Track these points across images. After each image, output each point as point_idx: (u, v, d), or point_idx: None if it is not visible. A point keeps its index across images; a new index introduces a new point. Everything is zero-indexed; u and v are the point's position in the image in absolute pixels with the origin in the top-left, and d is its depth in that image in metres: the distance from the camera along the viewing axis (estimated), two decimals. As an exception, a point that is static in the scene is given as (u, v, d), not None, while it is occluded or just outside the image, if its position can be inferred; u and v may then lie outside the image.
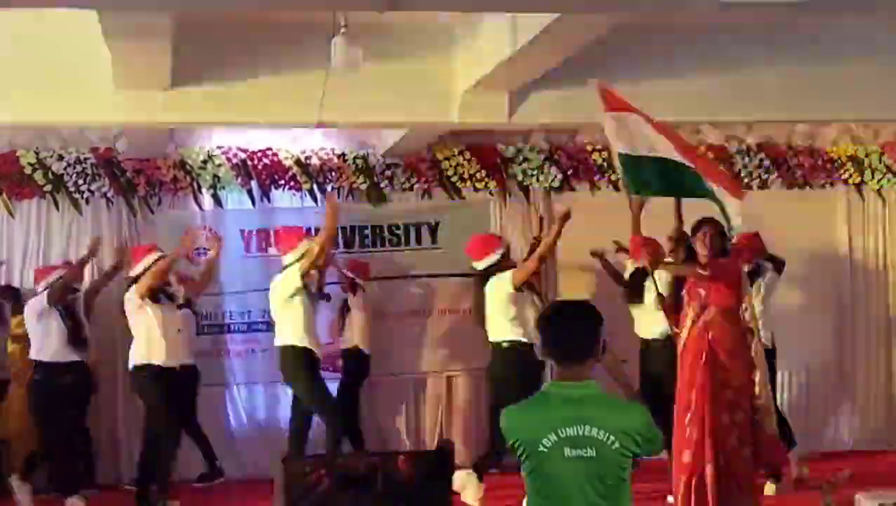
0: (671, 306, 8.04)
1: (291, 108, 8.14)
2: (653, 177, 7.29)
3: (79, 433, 9.43)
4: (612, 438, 3.90)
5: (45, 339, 8.91)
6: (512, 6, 5.94)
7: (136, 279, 8.75)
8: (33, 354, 9.01)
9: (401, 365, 10.65)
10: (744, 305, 7.73)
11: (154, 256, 8.77)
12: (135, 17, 6.12)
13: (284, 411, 10.06)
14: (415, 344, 10.67)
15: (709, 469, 7.41)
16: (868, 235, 11.36)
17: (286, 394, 9.60)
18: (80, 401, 9.18)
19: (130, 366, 8.82)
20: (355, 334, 9.94)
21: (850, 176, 11.28)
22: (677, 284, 8.35)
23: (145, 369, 8.70)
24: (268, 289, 9.71)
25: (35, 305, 8.99)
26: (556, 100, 8.34)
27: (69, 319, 8.92)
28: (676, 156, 7.13)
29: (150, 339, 8.65)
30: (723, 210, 7.04)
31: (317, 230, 9.52)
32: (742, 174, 11.08)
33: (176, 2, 5.41)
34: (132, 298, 8.67)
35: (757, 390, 7.66)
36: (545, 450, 3.91)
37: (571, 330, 4.08)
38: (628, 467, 3.99)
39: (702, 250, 7.64)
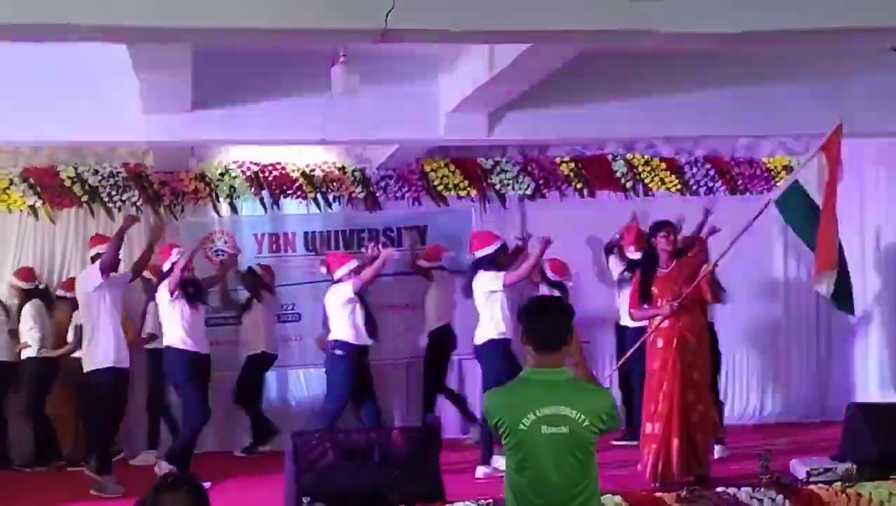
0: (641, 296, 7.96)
1: (297, 127, 8.09)
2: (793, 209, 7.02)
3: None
4: (582, 417, 3.90)
5: None
6: (489, 37, 5.91)
7: (165, 275, 8.61)
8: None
9: (395, 351, 10.56)
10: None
11: (176, 255, 8.62)
12: (159, 50, 6.08)
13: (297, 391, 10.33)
14: (408, 333, 10.59)
15: (675, 442, 7.44)
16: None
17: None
18: None
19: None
20: None
21: (785, 183, 11.26)
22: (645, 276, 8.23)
23: (178, 355, 8.48)
24: (278, 284, 10.15)
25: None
26: (529, 119, 8.29)
27: None
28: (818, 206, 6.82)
29: (182, 328, 8.44)
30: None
31: (321, 233, 10.02)
32: (691, 182, 11.09)
33: (190, 36, 5.34)
34: (164, 291, 8.53)
35: None
36: (525, 428, 3.90)
37: (549, 322, 4.07)
38: (595, 442, 3.99)
39: (667, 247, 7.67)
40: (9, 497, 8.06)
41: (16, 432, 9.49)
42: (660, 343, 7.57)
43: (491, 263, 8.49)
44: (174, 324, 8.48)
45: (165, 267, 8.65)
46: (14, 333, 9.52)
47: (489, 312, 8.31)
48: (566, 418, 3.89)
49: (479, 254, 8.59)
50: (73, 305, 9.39)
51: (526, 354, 4.10)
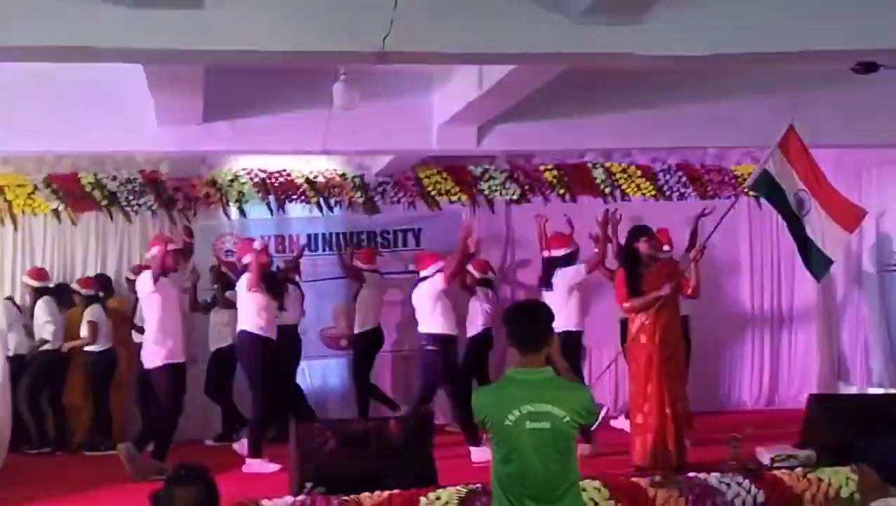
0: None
1: (301, 138, 8.04)
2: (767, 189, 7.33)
3: None
4: (563, 413, 3.88)
5: None
6: (476, 60, 5.90)
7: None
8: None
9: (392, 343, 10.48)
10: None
11: (258, 246, 8.56)
12: (172, 69, 6.04)
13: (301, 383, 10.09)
14: (404, 326, 10.50)
15: (671, 428, 7.46)
16: (764, 238, 11.26)
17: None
18: None
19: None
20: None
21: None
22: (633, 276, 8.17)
23: (258, 341, 8.35)
24: None
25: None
26: (516, 130, 8.25)
27: None
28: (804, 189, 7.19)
29: (259, 316, 8.34)
30: (808, 253, 7.24)
31: (328, 235, 10.03)
32: (664, 188, 11.07)
33: (202, 57, 5.31)
34: (244, 281, 8.42)
35: None
36: (510, 424, 3.88)
37: (531, 325, 4.05)
38: (575, 436, 3.97)
39: (648, 251, 7.66)
40: (28, 480, 8.02)
41: (32, 420, 9.36)
42: (643, 339, 7.56)
43: (567, 261, 8.69)
44: (250, 312, 8.37)
45: (245, 260, 8.60)
46: (28, 329, 9.45)
47: (569, 304, 8.38)
48: (548, 414, 3.88)
49: (558, 253, 8.71)
50: (88, 301, 9.40)
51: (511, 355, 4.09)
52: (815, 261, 7.30)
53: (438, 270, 8.58)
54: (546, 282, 8.71)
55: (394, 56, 4.90)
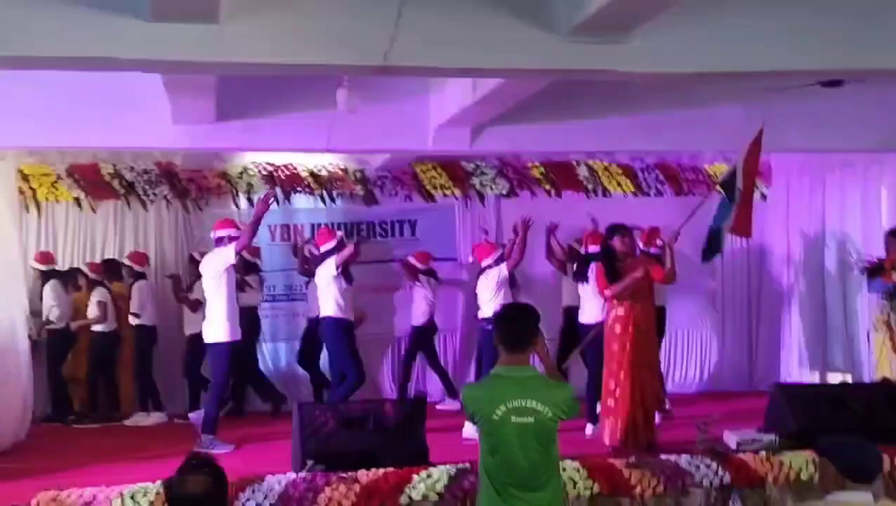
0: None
1: (306, 138, 8.01)
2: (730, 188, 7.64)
3: None
4: (547, 408, 3.91)
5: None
6: (471, 74, 5.91)
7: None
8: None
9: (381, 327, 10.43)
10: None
11: (334, 241, 8.78)
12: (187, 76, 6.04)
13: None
14: (392, 312, 10.56)
15: (640, 413, 7.51)
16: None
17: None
18: None
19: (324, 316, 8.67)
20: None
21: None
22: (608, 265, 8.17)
23: (335, 323, 8.58)
24: (287, 269, 10.12)
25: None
26: (507, 133, 8.26)
27: None
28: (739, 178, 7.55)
29: (338, 300, 8.54)
30: (715, 239, 7.77)
31: (331, 224, 9.99)
32: (643, 185, 11.09)
33: (215, 68, 5.29)
34: (326, 268, 8.59)
35: None
36: (497, 418, 3.91)
37: (517, 326, 4.08)
38: (557, 430, 4.01)
39: (622, 248, 7.71)
40: (42, 449, 8.06)
41: (37, 393, 9.24)
42: (618, 329, 7.61)
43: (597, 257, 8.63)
44: (330, 297, 8.55)
45: (324, 248, 8.79)
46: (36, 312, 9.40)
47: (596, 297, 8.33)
48: (533, 409, 3.92)
49: (594, 249, 8.61)
50: (94, 284, 9.44)
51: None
52: (714, 248, 7.87)
53: (500, 259, 8.76)
54: (583, 276, 8.55)
55: (394, 70, 4.93)
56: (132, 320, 9.49)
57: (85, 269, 9.64)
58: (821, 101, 7.86)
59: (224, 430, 8.10)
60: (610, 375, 7.65)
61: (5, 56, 4.59)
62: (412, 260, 10.02)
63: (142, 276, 9.57)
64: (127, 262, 9.60)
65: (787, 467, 6.48)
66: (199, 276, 8.45)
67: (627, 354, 7.55)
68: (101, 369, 9.55)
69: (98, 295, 9.38)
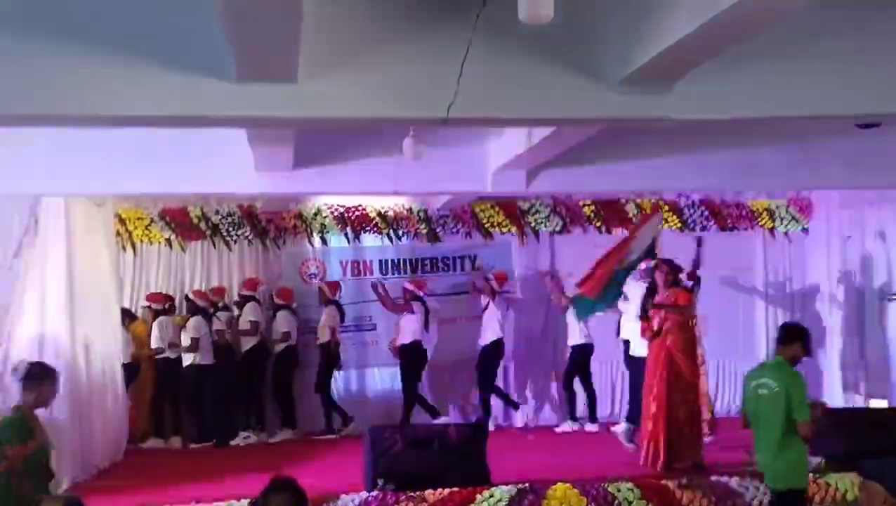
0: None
1: (375, 182, 8.08)
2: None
3: None
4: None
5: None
6: (527, 123, 5.95)
7: None
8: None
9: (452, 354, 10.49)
10: (693, 320, 7.79)
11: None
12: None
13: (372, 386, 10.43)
14: (461, 340, 10.49)
15: (661, 437, 7.45)
16: (777, 264, 11.19)
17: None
18: None
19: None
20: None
21: (765, 223, 11.17)
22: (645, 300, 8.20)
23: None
24: (359, 301, 10.28)
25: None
26: (560, 175, 8.21)
27: None
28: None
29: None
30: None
31: (397, 260, 10.50)
32: (689, 221, 11.00)
33: (292, 122, 5.40)
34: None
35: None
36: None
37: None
38: None
39: (661, 281, 7.71)
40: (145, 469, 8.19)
41: (140, 416, 9.57)
42: (651, 359, 7.74)
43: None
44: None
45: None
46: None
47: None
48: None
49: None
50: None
51: None
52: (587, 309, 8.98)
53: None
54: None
55: (456, 121, 4.96)
56: (278, 347, 9.84)
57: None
58: (857, 139, 7.72)
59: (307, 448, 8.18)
60: (645, 401, 7.73)
61: (109, 116, 4.74)
62: (492, 282, 10.07)
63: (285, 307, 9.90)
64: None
65: (833, 489, 6.36)
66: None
67: (657, 381, 7.65)
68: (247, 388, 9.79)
69: (250, 314, 9.68)
